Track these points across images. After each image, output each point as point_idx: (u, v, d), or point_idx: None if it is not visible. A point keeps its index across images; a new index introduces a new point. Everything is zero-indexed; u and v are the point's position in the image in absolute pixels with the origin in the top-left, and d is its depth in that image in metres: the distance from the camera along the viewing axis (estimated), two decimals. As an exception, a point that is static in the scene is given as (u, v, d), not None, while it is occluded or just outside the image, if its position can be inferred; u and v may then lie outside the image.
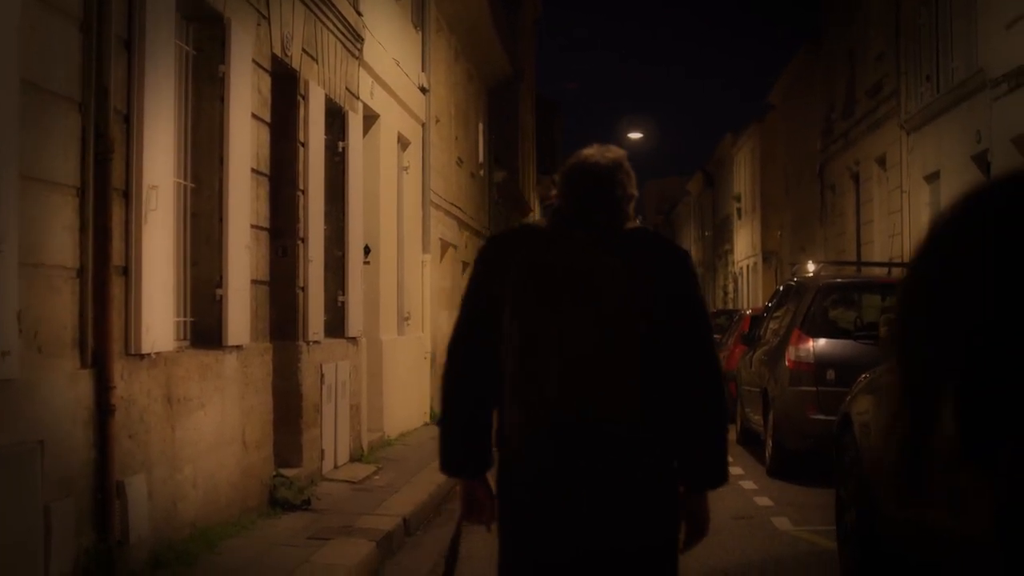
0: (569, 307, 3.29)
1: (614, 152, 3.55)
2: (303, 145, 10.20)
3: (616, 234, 3.42)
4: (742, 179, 45.51)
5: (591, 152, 3.54)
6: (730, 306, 42.67)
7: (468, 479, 3.54)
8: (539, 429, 3.31)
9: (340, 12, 11.20)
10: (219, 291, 8.06)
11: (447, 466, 3.58)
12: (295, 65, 9.91)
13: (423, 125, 16.56)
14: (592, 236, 3.38)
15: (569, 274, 3.32)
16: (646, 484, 3.35)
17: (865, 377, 7.54)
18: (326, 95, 10.87)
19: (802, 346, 11.55)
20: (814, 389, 11.35)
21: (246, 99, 8.48)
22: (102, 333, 6.13)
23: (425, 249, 16.70)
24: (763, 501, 10.31)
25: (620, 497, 3.32)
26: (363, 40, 12.32)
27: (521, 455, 3.38)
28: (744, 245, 44.91)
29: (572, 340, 3.28)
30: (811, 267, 15.42)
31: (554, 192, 3.71)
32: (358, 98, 12.39)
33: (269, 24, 9.15)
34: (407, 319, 15.67)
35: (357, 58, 12.27)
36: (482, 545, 8.17)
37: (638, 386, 3.28)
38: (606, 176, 3.47)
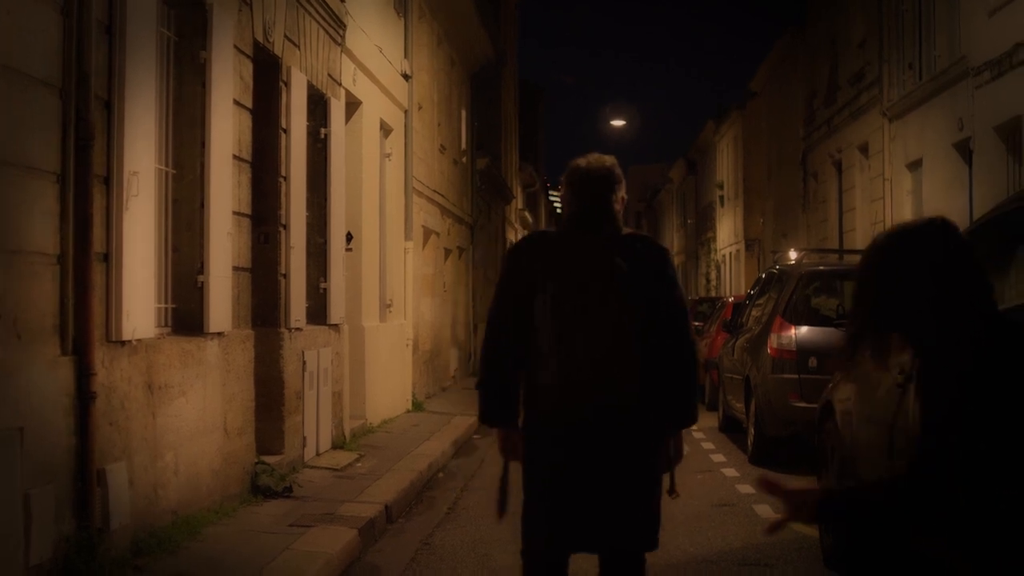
0: (595, 297, 4.38)
1: (608, 161, 4.60)
2: (285, 132, 10.16)
3: (619, 238, 4.50)
4: (725, 166, 45.53)
5: (590, 161, 4.59)
6: (712, 294, 42.71)
7: (504, 427, 4.58)
8: (567, 393, 4.37)
9: (322, -2, 11.16)
10: (200, 278, 8.03)
11: (487, 417, 4.64)
12: (277, 51, 9.87)
13: (405, 112, 16.52)
14: (603, 241, 4.47)
15: (594, 271, 4.41)
16: (640, 437, 4.47)
17: (847, 365, 7.56)
18: (308, 82, 10.83)
19: (784, 333, 11.58)
20: (796, 376, 11.38)
21: (228, 85, 8.45)
22: (83, 320, 6.10)
23: (407, 236, 16.68)
24: (745, 489, 10.34)
25: (623, 446, 4.43)
26: (345, 26, 12.28)
27: (549, 411, 4.44)
28: (727, 232, 44.96)
29: (596, 324, 4.37)
30: (793, 255, 15.42)
31: (561, 191, 4.67)
32: (340, 85, 12.35)
33: (251, 10, 9.11)
34: (389, 306, 15.66)
35: (339, 44, 12.23)
36: (463, 535, 8.21)
37: (639, 358, 4.41)
38: (605, 188, 4.54)
